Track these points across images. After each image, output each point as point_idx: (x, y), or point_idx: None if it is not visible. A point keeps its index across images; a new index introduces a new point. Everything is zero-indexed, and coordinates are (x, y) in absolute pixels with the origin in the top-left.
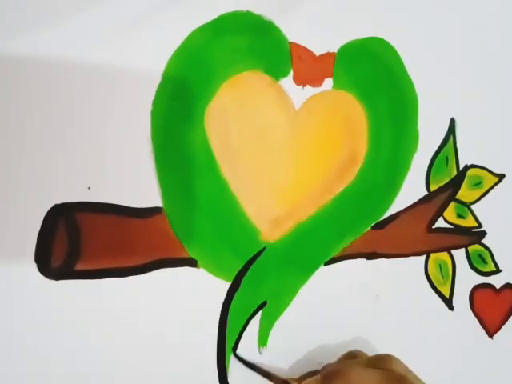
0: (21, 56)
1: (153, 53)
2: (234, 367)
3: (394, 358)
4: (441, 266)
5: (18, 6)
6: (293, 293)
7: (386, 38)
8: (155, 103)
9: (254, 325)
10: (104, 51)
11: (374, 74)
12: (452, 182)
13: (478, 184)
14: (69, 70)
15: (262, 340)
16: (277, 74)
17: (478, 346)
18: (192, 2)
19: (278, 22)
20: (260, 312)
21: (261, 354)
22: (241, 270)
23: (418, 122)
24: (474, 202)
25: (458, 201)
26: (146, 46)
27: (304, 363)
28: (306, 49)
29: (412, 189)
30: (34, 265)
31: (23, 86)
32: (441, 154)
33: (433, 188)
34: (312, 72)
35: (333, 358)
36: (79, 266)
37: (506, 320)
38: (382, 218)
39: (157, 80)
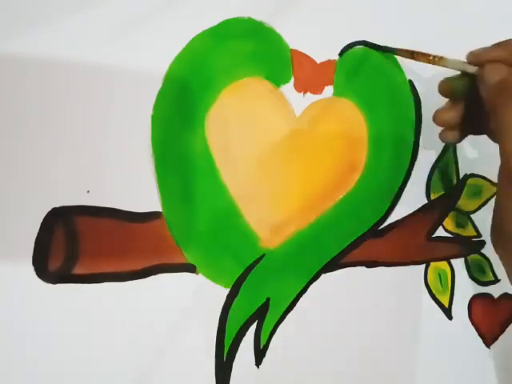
0: (21, 56)
1: (154, 57)
2: (234, 375)
3: None
4: (440, 275)
5: (18, 6)
6: (292, 299)
7: None
8: (156, 108)
9: (253, 332)
10: (105, 55)
11: (374, 82)
12: (452, 191)
13: (477, 193)
14: (69, 73)
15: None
16: (278, 80)
17: (476, 356)
18: (194, 8)
19: (280, 29)
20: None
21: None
22: (240, 277)
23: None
24: (473, 212)
25: (458, 210)
26: (148, 50)
27: (303, 372)
28: (306, 56)
29: (412, 197)
30: (32, 268)
31: (23, 87)
32: (441, 163)
33: (433, 197)
34: (313, 79)
35: (332, 366)
36: (77, 270)
37: (504, 330)
38: (382, 226)
39: (158, 84)
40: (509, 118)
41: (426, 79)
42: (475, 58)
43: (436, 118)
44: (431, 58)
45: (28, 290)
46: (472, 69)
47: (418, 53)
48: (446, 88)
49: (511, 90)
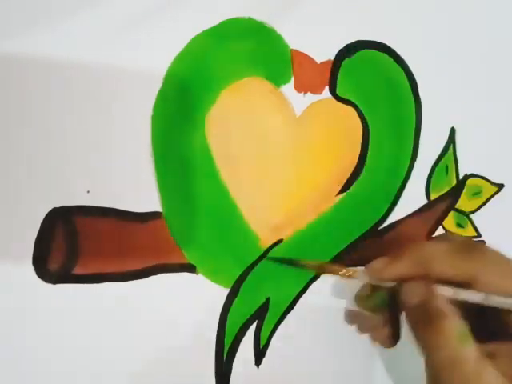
0: (21, 56)
1: (154, 57)
2: (234, 374)
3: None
4: None
5: (18, 6)
6: (291, 299)
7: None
8: (156, 108)
9: (253, 331)
10: (105, 55)
11: (374, 82)
12: (452, 192)
13: (477, 193)
14: (69, 73)
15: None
16: (278, 80)
17: None
18: (194, 8)
19: (280, 29)
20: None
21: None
22: (240, 276)
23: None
24: (473, 212)
25: (458, 210)
26: (148, 50)
27: (303, 372)
28: (307, 56)
29: (412, 197)
30: (32, 268)
31: (23, 87)
32: (441, 163)
33: (433, 197)
34: (313, 79)
35: (332, 365)
36: (77, 270)
37: None
38: (382, 226)
39: (158, 85)
40: (428, 344)
41: (426, 79)
42: (374, 272)
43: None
44: (342, 271)
45: (28, 289)
46: (390, 284)
47: (327, 265)
48: (364, 306)
49: (436, 322)
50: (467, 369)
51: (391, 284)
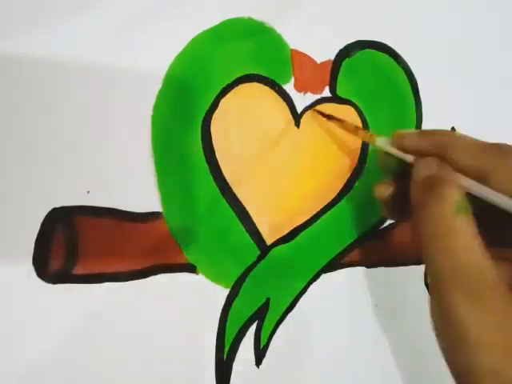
0: (21, 56)
1: (154, 57)
2: (234, 375)
3: None
4: None
5: (18, 6)
6: (292, 299)
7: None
8: (156, 107)
9: (253, 332)
10: (105, 55)
11: (374, 82)
12: None
13: None
14: (69, 73)
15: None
16: (278, 80)
17: None
18: (194, 8)
19: (280, 29)
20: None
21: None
22: (240, 277)
23: None
24: None
25: None
26: (148, 50)
27: (303, 372)
28: (307, 56)
29: None
30: (32, 268)
31: (23, 87)
32: None
33: None
34: (313, 79)
35: (332, 366)
36: (77, 270)
37: None
38: (383, 226)
39: (158, 85)
40: (423, 210)
41: (426, 79)
42: (398, 139)
43: (375, 190)
44: (367, 135)
45: (28, 290)
46: (408, 157)
47: (359, 128)
48: (380, 163)
49: (436, 189)
50: (455, 241)
51: (409, 158)
